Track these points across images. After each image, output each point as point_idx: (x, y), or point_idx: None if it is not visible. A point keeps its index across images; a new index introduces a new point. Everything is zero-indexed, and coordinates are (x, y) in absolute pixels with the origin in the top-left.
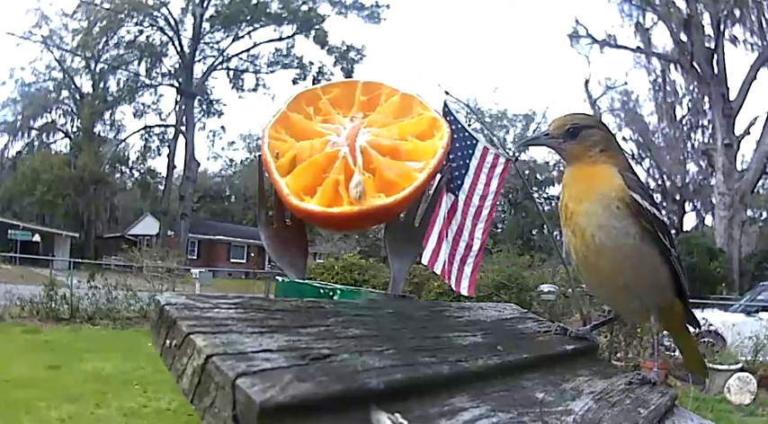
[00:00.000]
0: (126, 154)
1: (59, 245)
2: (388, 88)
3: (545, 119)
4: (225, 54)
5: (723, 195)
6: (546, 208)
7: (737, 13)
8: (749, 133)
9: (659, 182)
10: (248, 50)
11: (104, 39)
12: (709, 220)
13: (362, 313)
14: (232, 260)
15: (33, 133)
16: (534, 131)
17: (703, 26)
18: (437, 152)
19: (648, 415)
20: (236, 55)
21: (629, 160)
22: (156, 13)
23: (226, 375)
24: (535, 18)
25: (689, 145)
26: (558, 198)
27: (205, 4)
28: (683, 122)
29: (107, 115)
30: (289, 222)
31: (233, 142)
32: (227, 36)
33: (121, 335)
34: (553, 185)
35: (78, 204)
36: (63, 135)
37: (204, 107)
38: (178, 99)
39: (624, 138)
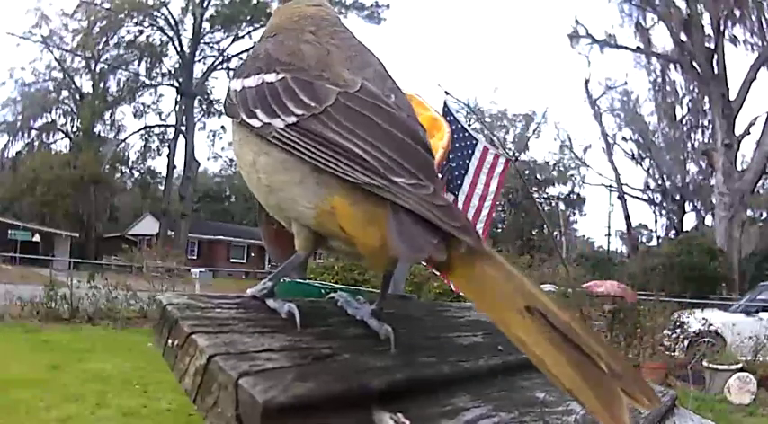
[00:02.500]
0: (126, 154)
1: (59, 245)
2: None
3: (545, 119)
4: (225, 54)
5: (723, 195)
6: (546, 208)
7: (737, 13)
8: (749, 133)
9: (659, 182)
10: (248, 50)
11: (104, 39)
12: (709, 220)
13: None
14: (232, 260)
15: (33, 133)
16: (534, 131)
17: (703, 26)
18: (437, 152)
19: (649, 415)
20: (236, 55)
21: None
22: (156, 13)
23: (228, 374)
24: (535, 18)
25: (689, 145)
26: (557, 197)
27: (205, 4)
28: (683, 122)
29: (107, 115)
30: None
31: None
32: (227, 36)
33: (121, 335)
34: (553, 185)
35: (78, 204)
36: (63, 135)
37: (204, 107)
38: (178, 99)
39: (624, 138)
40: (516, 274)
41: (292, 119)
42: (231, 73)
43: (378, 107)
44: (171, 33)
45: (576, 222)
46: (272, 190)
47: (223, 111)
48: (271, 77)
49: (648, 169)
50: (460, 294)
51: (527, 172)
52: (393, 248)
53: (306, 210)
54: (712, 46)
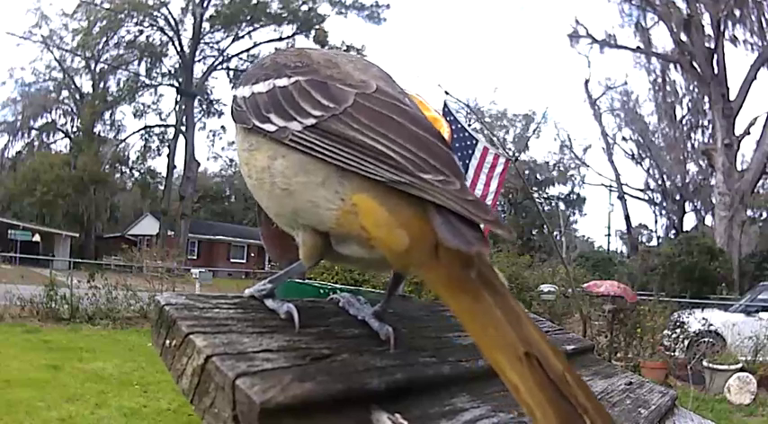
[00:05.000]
0: (126, 154)
1: (59, 245)
2: None
3: (545, 119)
4: (225, 54)
5: (723, 195)
6: (546, 208)
7: (737, 13)
8: (749, 133)
9: (659, 182)
10: (248, 50)
11: (104, 39)
12: (709, 220)
13: None
14: (232, 260)
15: (33, 133)
16: (534, 131)
17: (703, 26)
18: None
19: (649, 415)
20: (236, 55)
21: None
22: (156, 13)
23: (225, 375)
24: (535, 18)
25: (689, 145)
26: (557, 197)
27: (205, 4)
28: (683, 122)
29: (107, 115)
30: None
31: (233, 142)
32: (227, 36)
33: (121, 335)
34: (553, 185)
35: (78, 204)
36: (63, 135)
37: (204, 107)
38: (178, 99)
39: (624, 138)
40: (521, 315)
41: (311, 121)
42: (231, 73)
43: (397, 106)
44: (171, 33)
45: (576, 222)
46: (291, 194)
47: (231, 118)
48: (282, 82)
49: (648, 169)
50: None
51: (527, 172)
52: (445, 242)
53: (327, 212)
54: (712, 46)
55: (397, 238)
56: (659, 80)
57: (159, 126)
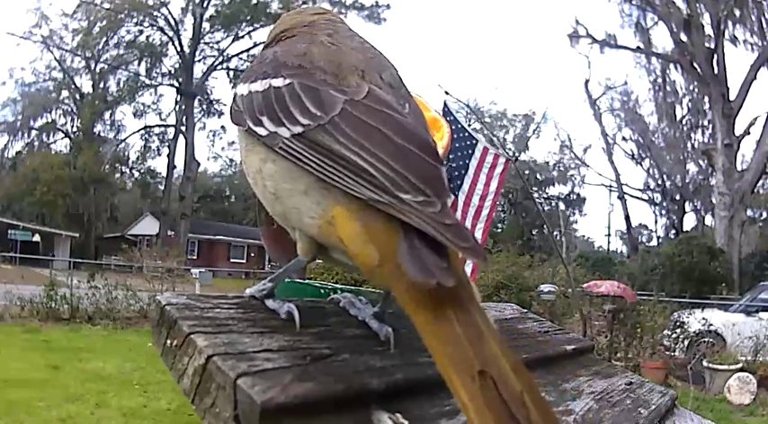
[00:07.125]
0: (126, 154)
1: (59, 245)
2: None
3: (545, 119)
4: (225, 54)
5: (723, 195)
6: (546, 208)
7: (737, 13)
8: (749, 133)
9: (659, 182)
10: (248, 50)
11: (104, 39)
12: (709, 220)
13: None
14: (232, 260)
15: (33, 133)
16: (534, 131)
17: (703, 26)
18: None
19: (649, 415)
20: (236, 55)
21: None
22: (156, 13)
23: (227, 375)
24: (535, 18)
25: (689, 145)
26: (557, 197)
27: (205, 4)
28: (683, 122)
29: (107, 115)
30: None
31: (233, 142)
32: (227, 36)
33: (121, 335)
34: (553, 185)
35: (78, 204)
36: (63, 135)
37: (204, 107)
38: (178, 99)
39: (624, 138)
40: (485, 332)
41: (298, 129)
42: (231, 73)
43: (386, 115)
44: (171, 33)
45: (576, 222)
46: (278, 198)
47: (229, 117)
48: (278, 82)
49: (648, 169)
50: None
51: (527, 172)
52: (403, 270)
53: (309, 220)
54: (712, 46)
55: (369, 254)
56: (659, 80)
57: (159, 126)
